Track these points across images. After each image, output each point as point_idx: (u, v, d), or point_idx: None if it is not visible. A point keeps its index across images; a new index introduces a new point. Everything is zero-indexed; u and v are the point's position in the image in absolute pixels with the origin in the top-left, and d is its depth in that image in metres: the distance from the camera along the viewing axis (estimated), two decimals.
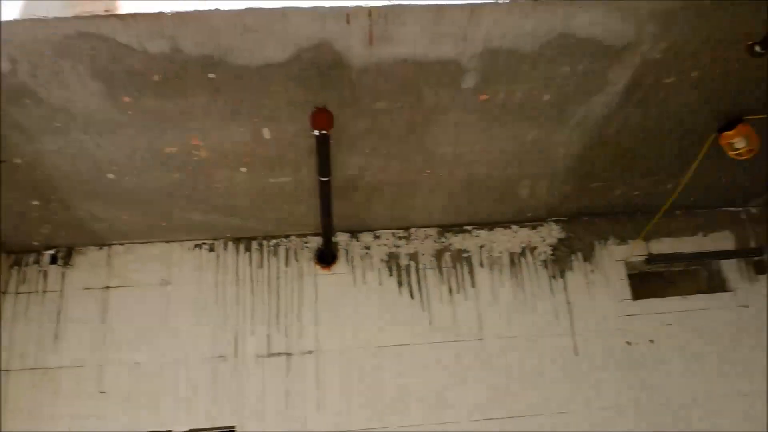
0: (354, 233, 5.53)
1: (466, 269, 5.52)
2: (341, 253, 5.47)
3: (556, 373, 5.25)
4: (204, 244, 5.40)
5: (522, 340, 5.32)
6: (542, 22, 3.16)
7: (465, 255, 5.58)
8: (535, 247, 5.65)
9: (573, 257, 5.65)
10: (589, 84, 3.70)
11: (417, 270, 5.47)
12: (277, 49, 3.17)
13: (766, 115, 4.19)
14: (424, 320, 5.32)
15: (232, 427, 4.93)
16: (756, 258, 5.76)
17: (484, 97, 3.68)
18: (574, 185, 5.07)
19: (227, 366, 5.06)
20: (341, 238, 5.50)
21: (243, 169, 4.30)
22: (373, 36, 3.13)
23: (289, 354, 5.14)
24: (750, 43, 3.36)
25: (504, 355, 5.26)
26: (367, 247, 5.51)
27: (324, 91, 3.50)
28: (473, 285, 5.47)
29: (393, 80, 3.47)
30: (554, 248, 5.66)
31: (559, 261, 5.63)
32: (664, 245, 5.73)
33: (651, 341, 5.42)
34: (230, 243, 5.42)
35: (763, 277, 5.76)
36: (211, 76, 3.31)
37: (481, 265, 5.54)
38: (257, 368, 5.08)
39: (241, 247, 5.43)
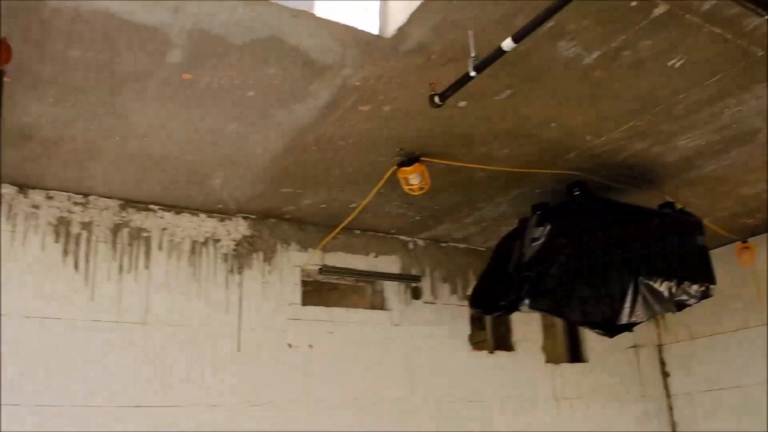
0: (23, 188, 4.94)
1: (142, 249, 5.28)
2: (3, 208, 4.85)
3: (216, 366, 5.27)
4: None
5: (187, 329, 5.25)
6: (255, 18, 3.18)
7: (144, 234, 5.33)
8: (218, 240, 5.63)
9: (254, 256, 5.76)
10: (293, 91, 3.83)
11: (88, 241, 5.08)
12: None
13: (438, 161, 4.75)
14: (85, 296, 4.95)
15: None
16: (414, 284, 6.50)
17: (187, 76, 3.59)
18: (267, 186, 5.18)
19: None
20: (6, 191, 4.87)
21: None
22: None
23: None
24: (432, 93, 3.76)
25: (166, 342, 5.12)
26: (36, 206, 4.96)
27: (7, 23, 3.10)
28: (147, 267, 5.25)
29: (92, 32, 3.20)
30: (238, 244, 5.71)
31: (239, 257, 5.69)
32: (338, 259, 6.14)
33: (310, 346, 5.74)
34: None
35: (417, 302, 6.51)
36: None
37: (160, 248, 5.35)
38: None
39: None
